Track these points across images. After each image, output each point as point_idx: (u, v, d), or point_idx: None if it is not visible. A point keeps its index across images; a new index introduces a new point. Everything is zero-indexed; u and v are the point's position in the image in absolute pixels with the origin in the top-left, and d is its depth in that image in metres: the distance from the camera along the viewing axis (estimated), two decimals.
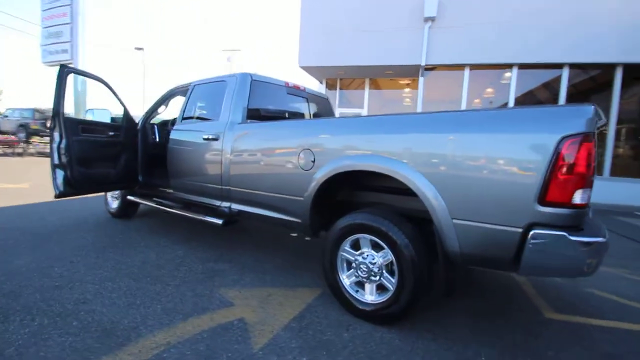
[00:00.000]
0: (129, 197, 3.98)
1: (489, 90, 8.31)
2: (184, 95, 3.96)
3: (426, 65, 8.04)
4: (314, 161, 2.23)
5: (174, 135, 3.38)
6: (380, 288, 2.03)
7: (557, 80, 7.50)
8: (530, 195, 1.50)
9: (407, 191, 2.14)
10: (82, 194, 3.40)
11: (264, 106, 3.14)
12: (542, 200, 1.48)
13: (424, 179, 1.76)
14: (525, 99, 7.87)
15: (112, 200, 4.42)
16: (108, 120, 3.71)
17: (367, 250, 2.04)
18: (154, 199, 3.88)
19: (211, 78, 3.33)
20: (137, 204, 4.24)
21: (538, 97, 7.90)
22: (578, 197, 1.44)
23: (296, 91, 3.50)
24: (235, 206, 2.86)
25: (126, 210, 4.28)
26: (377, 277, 2.00)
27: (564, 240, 1.44)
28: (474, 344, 1.87)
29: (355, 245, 2.12)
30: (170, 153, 3.38)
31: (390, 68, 8.74)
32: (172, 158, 3.37)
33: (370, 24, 8.38)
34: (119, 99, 3.68)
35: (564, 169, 1.44)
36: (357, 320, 2.07)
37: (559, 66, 7.39)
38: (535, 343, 1.91)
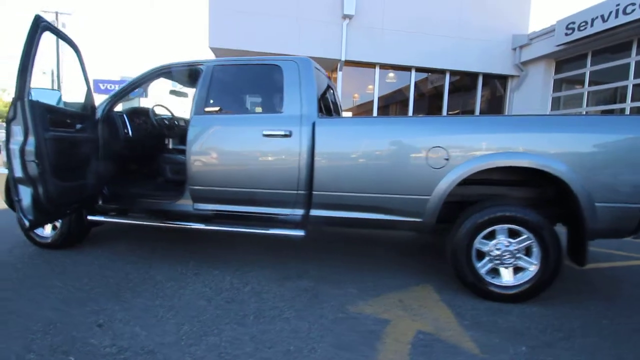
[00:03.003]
0: (94, 218, 2.81)
1: (394, 86, 9.52)
2: (184, 78, 3.09)
3: (345, 60, 8.49)
4: (447, 159, 2.22)
5: (198, 131, 2.59)
6: (515, 270, 2.26)
7: (442, 80, 9.29)
8: None
9: (520, 182, 2.42)
10: (57, 219, 2.21)
11: (321, 97, 2.80)
12: None
13: (574, 173, 2.07)
14: (420, 95, 9.44)
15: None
16: (59, 106, 2.50)
17: (504, 239, 2.22)
18: (130, 215, 2.90)
19: (245, 59, 2.70)
20: (92, 226, 3.05)
21: (429, 93, 9.62)
22: None
23: (329, 81, 3.24)
24: (317, 212, 2.50)
25: (76, 237, 3.00)
26: (516, 261, 2.22)
27: None
28: (585, 294, 2.37)
29: (486, 236, 2.27)
30: (194, 154, 2.59)
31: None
32: (199, 160, 2.59)
33: (290, 10, 8.17)
34: (86, 75, 2.53)
35: None
36: (495, 304, 2.23)
37: (443, 72, 9.16)
38: (598, 284, 2.56)
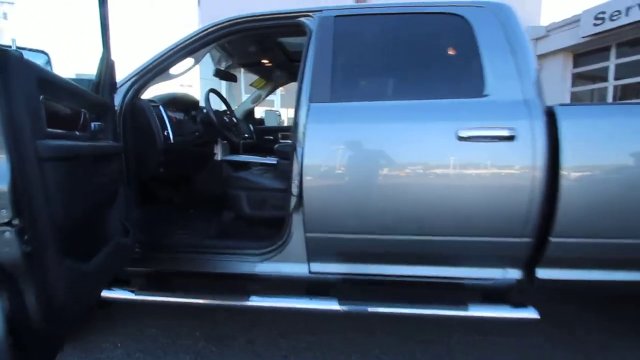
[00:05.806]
0: (111, 295, 1.50)
1: None
2: (265, 42, 1.88)
3: None
4: None
5: (326, 131, 1.40)
6: None
7: None
8: None
9: None
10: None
11: None
12: None
13: None
14: None
15: None
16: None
17: None
18: (171, 284, 1.65)
19: (390, 5, 1.54)
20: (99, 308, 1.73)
21: None
22: None
23: None
24: (550, 274, 1.42)
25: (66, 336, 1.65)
26: None
27: None
28: None
29: None
30: (320, 170, 1.39)
31: None
32: (328, 186, 1.40)
33: None
34: (106, 26, 1.24)
35: None
36: None
37: None
38: None
